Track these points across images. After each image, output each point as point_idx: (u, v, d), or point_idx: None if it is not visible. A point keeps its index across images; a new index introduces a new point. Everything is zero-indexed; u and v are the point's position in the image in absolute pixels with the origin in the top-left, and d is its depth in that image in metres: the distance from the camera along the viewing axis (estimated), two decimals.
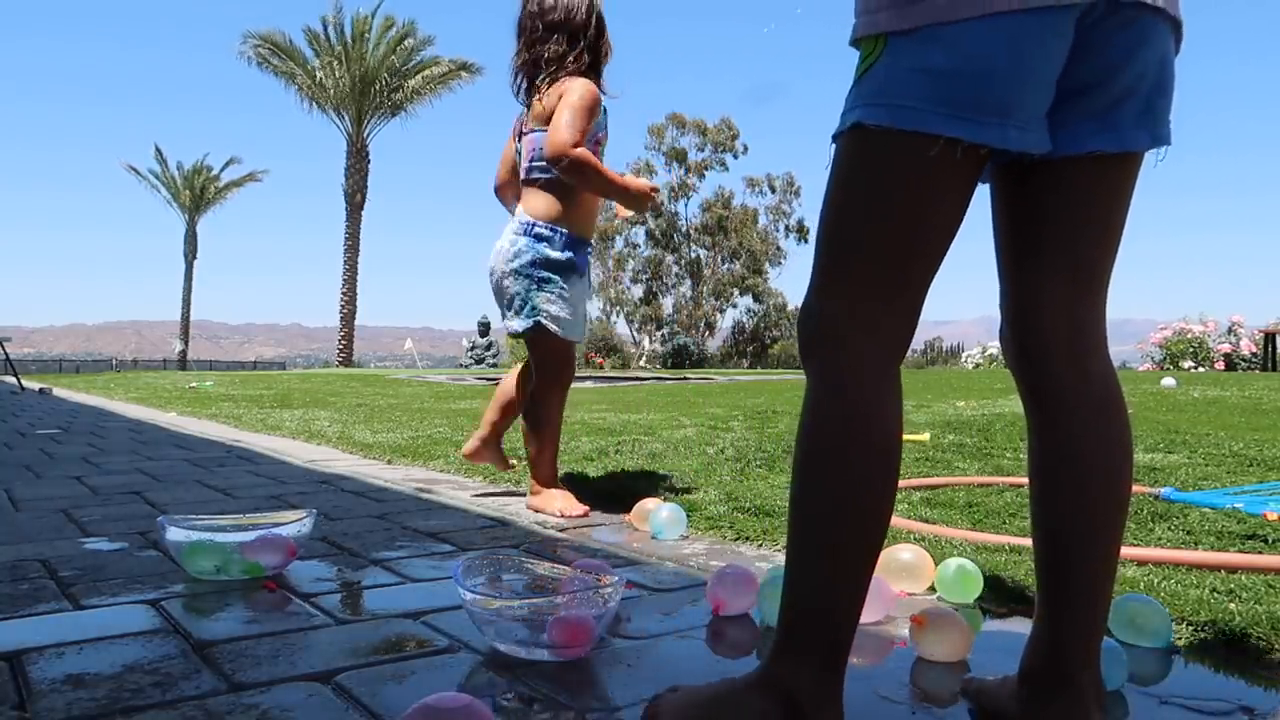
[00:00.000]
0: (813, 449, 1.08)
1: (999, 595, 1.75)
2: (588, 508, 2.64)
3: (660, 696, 1.19)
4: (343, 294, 27.72)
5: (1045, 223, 1.10)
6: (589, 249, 2.76)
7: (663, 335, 25.76)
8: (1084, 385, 1.10)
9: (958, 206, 1.07)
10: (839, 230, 1.08)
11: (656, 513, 2.33)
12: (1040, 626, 1.13)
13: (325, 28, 27.87)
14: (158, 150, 39.65)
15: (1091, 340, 1.11)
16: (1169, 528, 2.27)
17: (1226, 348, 14.58)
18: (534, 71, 2.66)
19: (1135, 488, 2.75)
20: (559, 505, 2.62)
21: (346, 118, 28.07)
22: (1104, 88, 1.04)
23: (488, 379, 11.89)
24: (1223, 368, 14.19)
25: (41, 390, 10.41)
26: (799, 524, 1.08)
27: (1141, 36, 1.02)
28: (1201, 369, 14.20)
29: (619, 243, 33.64)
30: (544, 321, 2.60)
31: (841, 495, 1.05)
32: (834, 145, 1.09)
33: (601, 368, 21.32)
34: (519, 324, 2.63)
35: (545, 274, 2.61)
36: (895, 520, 2.23)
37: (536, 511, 2.66)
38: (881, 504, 1.06)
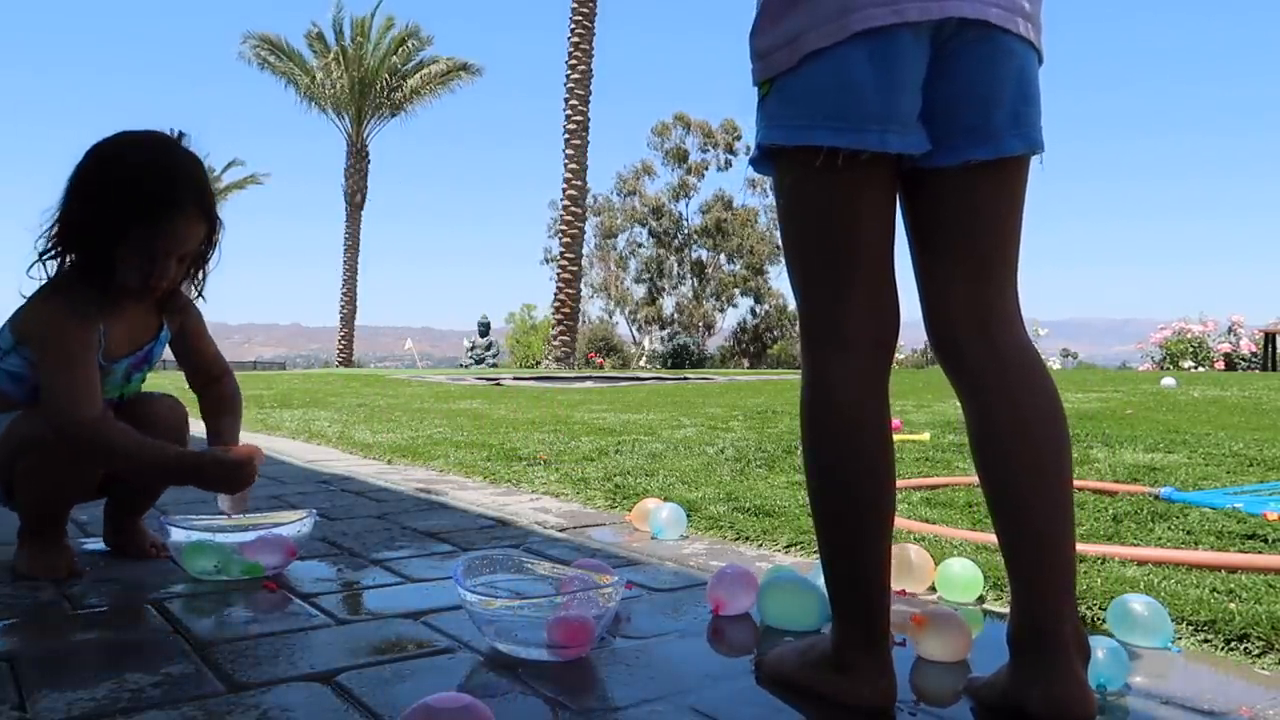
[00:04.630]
0: (806, 445, 1.24)
1: (999, 595, 1.75)
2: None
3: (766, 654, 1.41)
4: (343, 294, 27.69)
5: (944, 225, 1.23)
6: None
7: (664, 336, 25.76)
8: (995, 358, 1.21)
9: (872, 214, 1.19)
10: (785, 249, 1.26)
11: (656, 513, 2.33)
12: (1012, 594, 1.21)
13: (324, 30, 27.85)
14: None
15: (997, 321, 1.22)
16: (1169, 528, 2.27)
17: (1226, 347, 14.58)
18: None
19: (1135, 488, 2.75)
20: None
21: (346, 118, 28.04)
22: (971, 99, 1.16)
23: (488, 379, 11.88)
24: (1223, 367, 14.18)
25: None
26: (814, 514, 1.26)
27: (995, 50, 1.15)
28: (1201, 369, 14.19)
29: (621, 242, 33.65)
30: None
31: (831, 494, 1.22)
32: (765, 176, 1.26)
33: (602, 368, 21.33)
34: None
35: None
36: (895, 520, 2.23)
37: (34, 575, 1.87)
38: (872, 496, 1.21)
